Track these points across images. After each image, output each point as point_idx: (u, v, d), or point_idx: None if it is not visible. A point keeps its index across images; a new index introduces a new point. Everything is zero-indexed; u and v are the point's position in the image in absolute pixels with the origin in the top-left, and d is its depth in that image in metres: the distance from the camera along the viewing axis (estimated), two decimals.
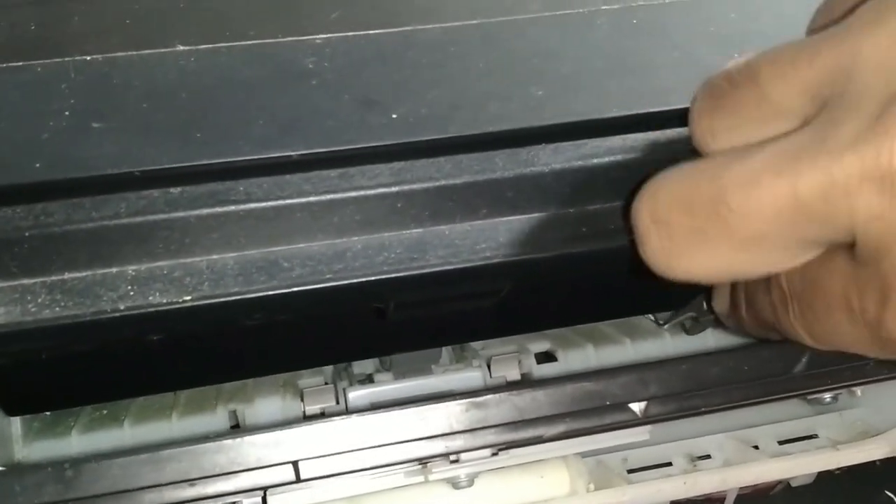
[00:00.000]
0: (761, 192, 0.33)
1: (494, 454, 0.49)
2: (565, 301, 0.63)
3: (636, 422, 0.48)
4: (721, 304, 0.51)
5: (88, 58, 0.52)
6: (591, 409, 0.46)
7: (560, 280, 0.55)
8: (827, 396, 0.57)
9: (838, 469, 0.63)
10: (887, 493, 0.65)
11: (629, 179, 0.49)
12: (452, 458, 0.48)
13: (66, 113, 0.47)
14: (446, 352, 0.71)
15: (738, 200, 0.34)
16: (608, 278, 0.59)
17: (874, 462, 0.64)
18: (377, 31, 0.56)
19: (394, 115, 0.49)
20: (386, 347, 0.63)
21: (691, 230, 0.36)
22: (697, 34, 0.57)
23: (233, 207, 0.45)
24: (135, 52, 0.53)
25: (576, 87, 0.52)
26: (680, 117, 0.51)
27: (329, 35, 0.55)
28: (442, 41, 0.56)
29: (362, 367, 0.70)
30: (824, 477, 0.64)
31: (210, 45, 0.54)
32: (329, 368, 0.71)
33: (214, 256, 0.44)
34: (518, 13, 0.59)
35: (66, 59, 0.52)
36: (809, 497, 0.64)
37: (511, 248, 0.47)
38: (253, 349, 0.58)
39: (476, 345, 0.72)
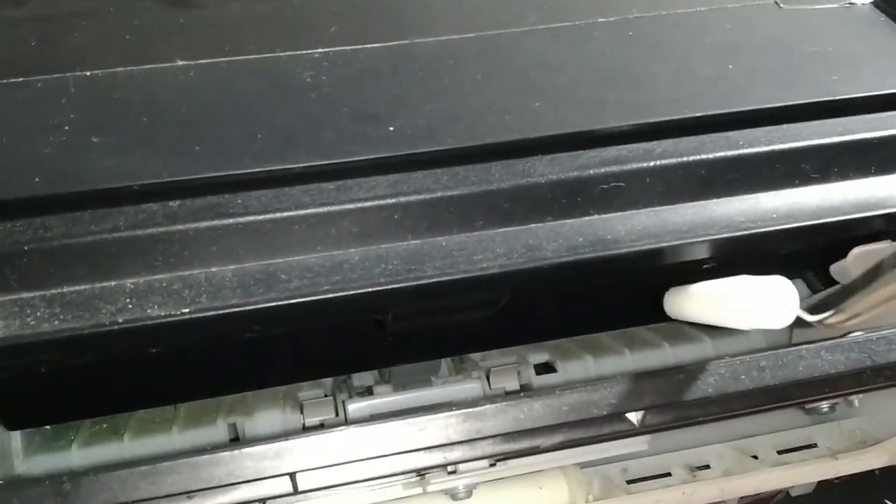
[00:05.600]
0: None
1: (492, 465, 0.49)
2: (563, 311, 0.63)
3: (633, 431, 0.48)
4: None
5: (88, 73, 0.53)
6: (588, 419, 0.46)
7: (557, 290, 0.55)
8: (825, 406, 0.57)
9: (837, 478, 0.63)
10: (887, 501, 0.64)
11: (626, 190, 0.50)
12: (450, 468, 0.48)
13: (66, 128, 0.48)
14: (446, 363, 0.71)
15: None
16: (606, 288, 0.60)
17: (873, 471, 0.64)
18: (375, 45, 0.57)
19: (391, 128, 0.49)
20: (386, 359, 0.64)
21: None
22: (693, 46, 0.58)
23: (231, 220, 0.45)
24: (134, 68, 0.53)
25: (572, 99, 0.52)
26: (676, 128, 0.51)
27: (327, 49, 0.56)
28: (439, 54, 0.56)
29: (362, 379, 0.70)
30: (824, 486, 0.63)
31: (209, 60, 0.54)
32: (329, 380, 0.71)
33: (213, 269, 0.45)
34: (515, 26, 0.59)
35: (67, 74, 0.52)
36: None
37: (508, 259, 0.47)
38: (252, 362, 0.58)
39: (476, 356, 0.72)
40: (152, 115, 0.49)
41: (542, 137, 0.49)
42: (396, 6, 0.62)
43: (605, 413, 0.47)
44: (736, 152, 0.50)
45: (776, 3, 0.63)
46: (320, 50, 0.56)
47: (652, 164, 0.50)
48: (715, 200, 0.50)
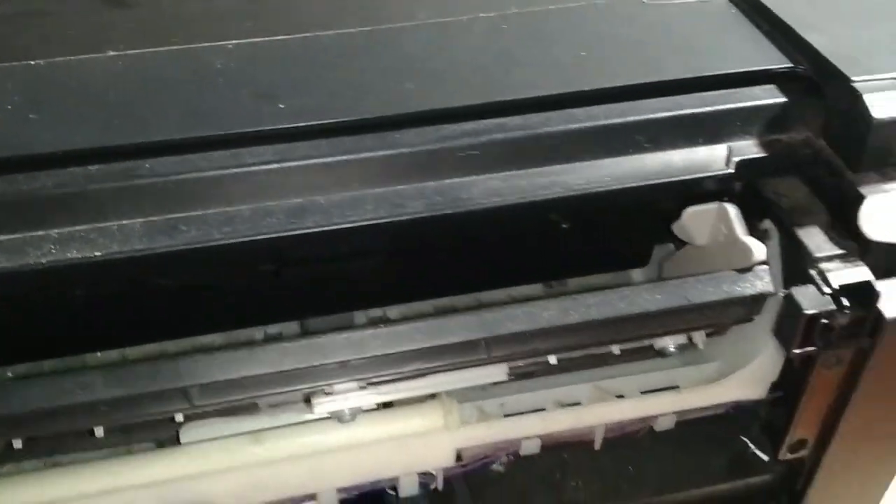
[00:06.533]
0: None
1: (362, 388, 0.58)
2: (438, 266, 0.72)
3: (484, 360, 0.57)
4: None
5: (32, 62, 0.62)
6: (439, 346, 0.56)
7: (423, 245, 0.64)
8: (671, 346, 0.66)
9: (697, 417, 0.72)
10: (742, 437, 0.73)
11: (480, 157, 0.59)
12: (326, 390, 0.58)
13: (9, 107, 0.57)
14: (363, 317, 0.79)
15: None
16: (466, 244, 0.69)
17: (729, 411, 0.72)
18: (281, 37, 0.66)
19: (281, 105, 0.58)
20: (297, 311, 0.72)
21: None
22: (557, 37, 0.67)
23: (141, 181, 0.54)
24: (71, 57, 0.63)
25: (441, 81, 0.61)
26: (526, 105, 0.60)
27: (239, 41, 0.65)
28: (335, 45, 0.66)
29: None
30: (685, 423, 0.72)
31: (136, 51, 0.64)
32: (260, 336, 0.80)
33: (125, 221, 0.54)
34: (405, 20, 0.69)
35: (14, 63, 0.62)
36: (672, 441, 0.73)
37: (375, 214, 0.56)
38: (171, 311, 0.67)
39: (393, 314, 0.81)
40: (83, 96, 0.59)
41: (409, 113, 0.58)
42: (306, 4, 0.71)
43: (453, 341, 0.56)
44: (577, 125, 0.59)
45: None
46: (234, 41, 0.65)
47: (503, 136, 0.59)
48: (558, 167, 0.59)
